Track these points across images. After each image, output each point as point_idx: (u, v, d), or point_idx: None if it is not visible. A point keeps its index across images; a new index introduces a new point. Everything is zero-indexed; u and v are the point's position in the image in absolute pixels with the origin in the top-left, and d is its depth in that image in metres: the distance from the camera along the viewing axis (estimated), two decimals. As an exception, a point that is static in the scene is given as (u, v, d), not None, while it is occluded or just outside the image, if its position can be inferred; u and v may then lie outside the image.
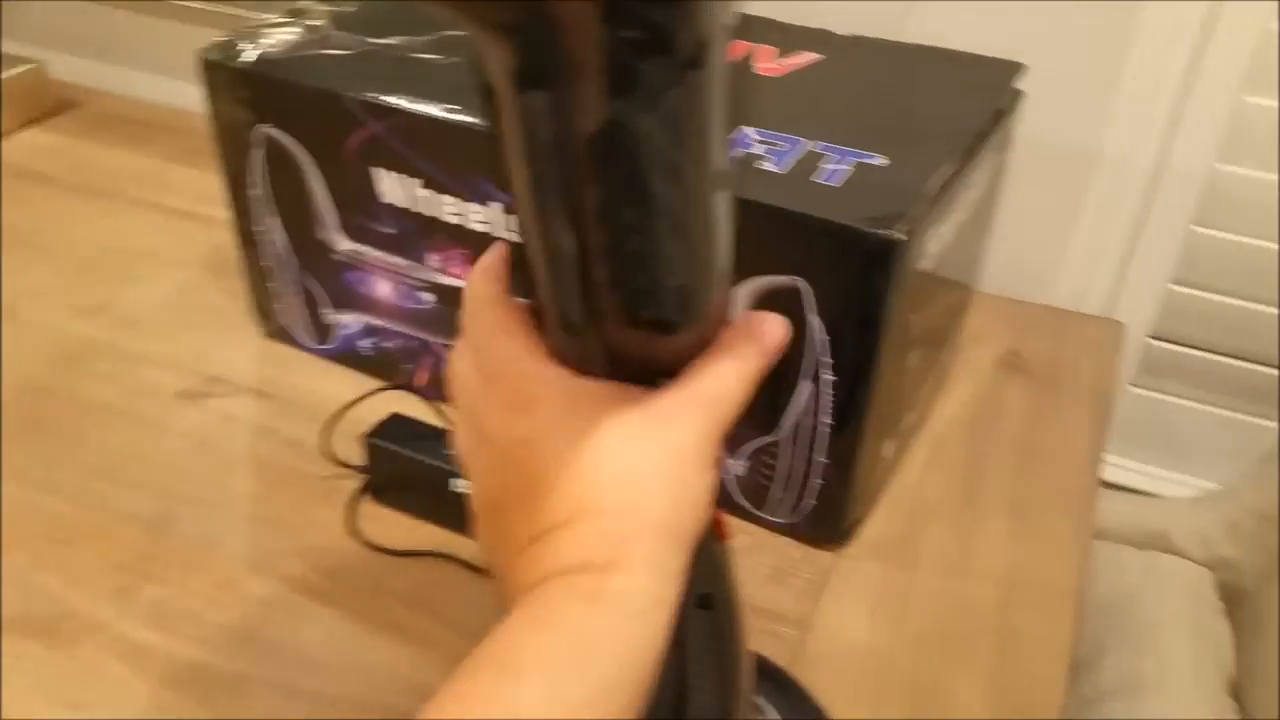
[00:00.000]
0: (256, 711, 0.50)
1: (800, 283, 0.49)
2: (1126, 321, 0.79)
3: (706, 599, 0.41)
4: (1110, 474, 0.87)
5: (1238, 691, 0.72)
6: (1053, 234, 0.80)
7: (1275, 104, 0.71)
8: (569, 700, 0.27)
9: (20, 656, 0.52)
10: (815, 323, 0.50)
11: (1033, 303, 0.80)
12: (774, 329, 0.33)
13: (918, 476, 0.64)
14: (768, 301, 0.51)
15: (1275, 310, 0.77)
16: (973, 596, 0.56)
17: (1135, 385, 0.85)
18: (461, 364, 0.34)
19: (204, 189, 0.92)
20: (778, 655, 0.52)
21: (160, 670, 0.52)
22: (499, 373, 0.32)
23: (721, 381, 0.31)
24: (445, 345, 0.65)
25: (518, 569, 0.31)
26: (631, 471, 0.30)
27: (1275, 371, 0.79)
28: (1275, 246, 0.75)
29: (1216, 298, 0.79)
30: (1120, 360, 0.76)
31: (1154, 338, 0.82)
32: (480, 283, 0.34)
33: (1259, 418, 0.82)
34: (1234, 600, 0.77)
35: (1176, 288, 0.79)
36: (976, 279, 0.71)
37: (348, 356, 0.71)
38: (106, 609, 0.55)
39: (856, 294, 0.48)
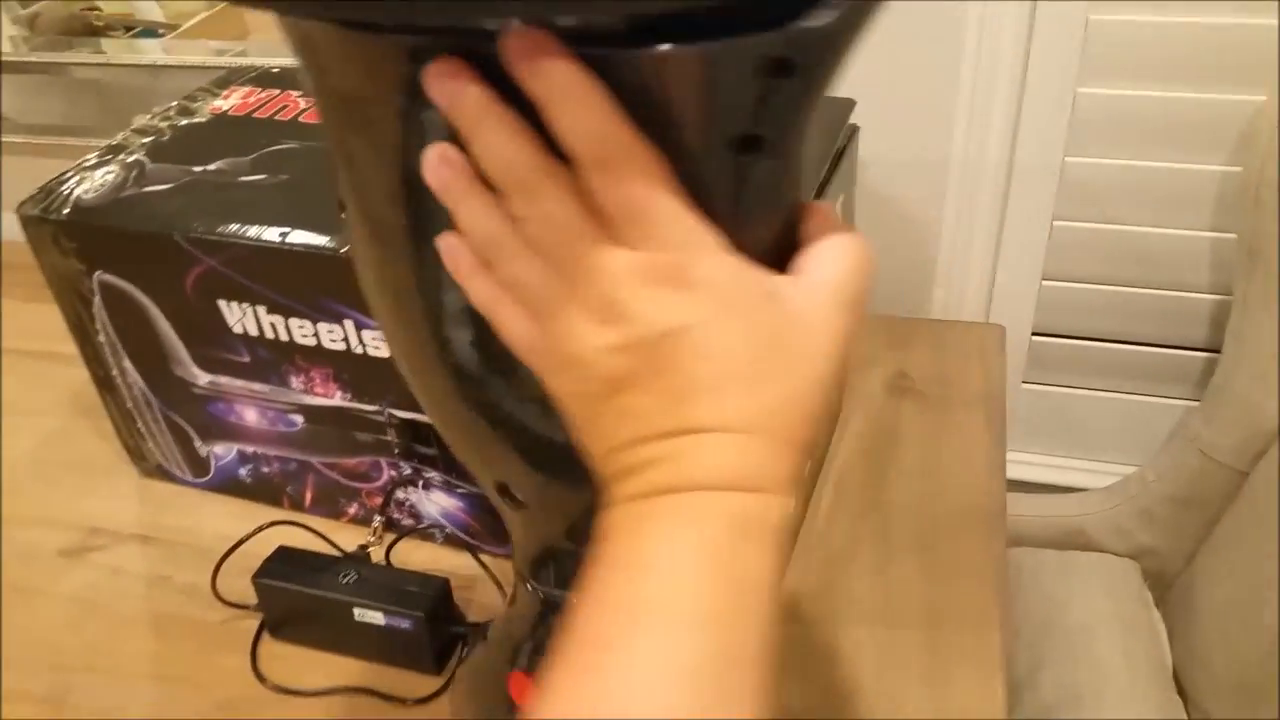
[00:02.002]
0: None
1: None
2: (1006, 323, 0.81)
3: None
4: (1019, 471, 0.88)
5: (1180, 680, 0.73)
6: (919, 248, 0.81)
7: (1111, 92, 0.73)
8: (740, 651, 0.26)
9: None
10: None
11: (912, 318, 0.81)
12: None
13: (825, 522, 0.64)
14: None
15: (1149, 291, 0.79)
16: (899, 643, 0.56)
17: (1028, 382, 0.86)
18: (554, 200, 0.27)
19: (57, 326, 0.88)
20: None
21: None
22: (653, 235, 0.27)
23: (858, 277, 0.29)
24: (324, 463, 0.63)
25: (628, 457, 0.28)
26: (793, 397, 0.28)
27: (1160, 351, 0.81)
28: (1134, 229, 0.77)
29: (1088, 286, 0.80)
30: (1006, 362, 0.77)
31: (1036, 334, 0.83)
32: (573, 81, 0.25)
33: (1155, 397, 0.84)
34: (1162, 586, 0.78)
35: (1049, 282, 0.81)
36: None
37: (230, 486, 0.68)
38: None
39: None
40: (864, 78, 0.73)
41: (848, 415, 0.71)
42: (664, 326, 0.27)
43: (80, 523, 0.69)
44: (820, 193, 0.54)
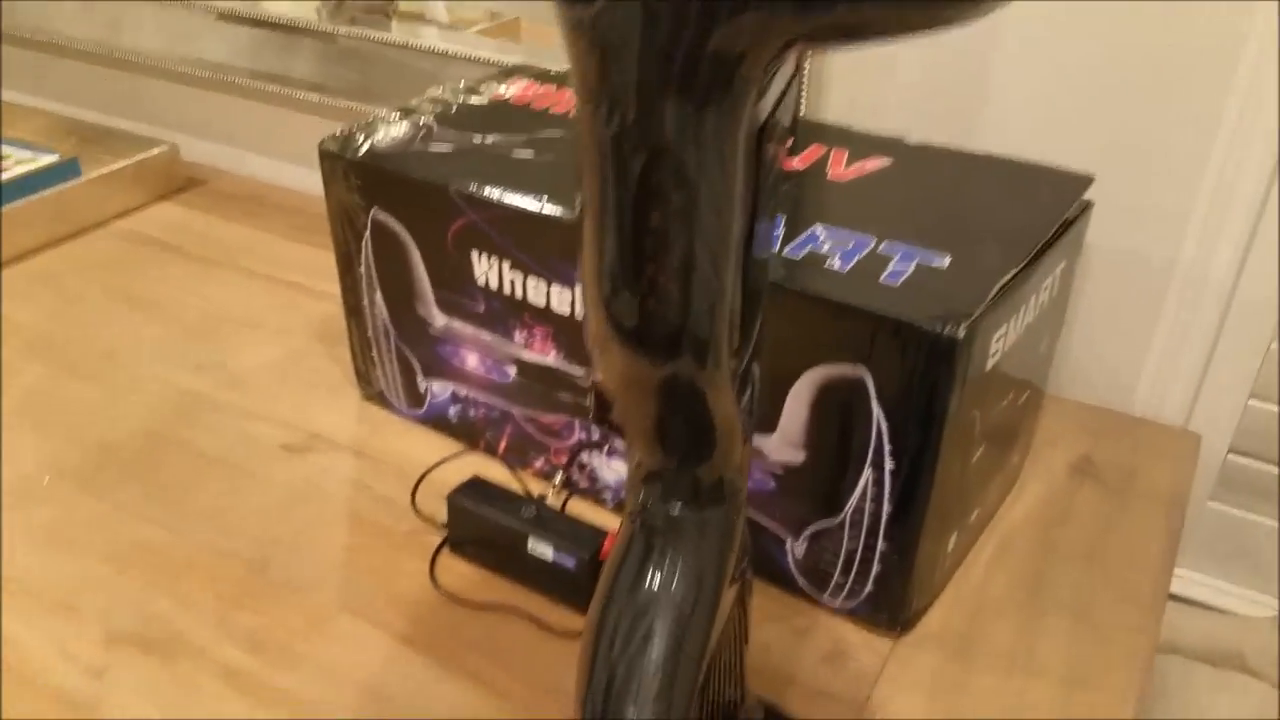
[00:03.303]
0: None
1: (863, 372, 0.52)
2: (1204, 434, 0.79)
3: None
4: (1185, 589, 0.86)
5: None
6: (1130, 342, 0.81)
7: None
8: None
9: (130, 667, 0.57)
10: (877, 412, 0.52)
11: (1109, 409, 0.81)
12: None
13: (983, 574, 0.65)
14: (831, 390, 0.53)
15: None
16: (1031, 695, 0.56)
17: (1214, 500, 0.84)
18: None
19: (314, 264, 0.99)
20: (829, 736, 0.53)
21: (252, 690, 0.56)
22: None
23: None
24: (524, 415, 0.69)
25: None
26: None
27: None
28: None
29: (1298, 415, 0.78)
30: (1196, 472, 0.76)
31: (1233, 452, 0.81)
32: None
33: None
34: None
35: (1256, 403, 0.79)
36: (1049, 382, 0.72)
37: (437, 422, 0.75)
38: (208, 633, 0.59)
39: (917, 388, 0.51)
40: (1106, 161, 0.75)
41: (1024, 482, 0.72)
42: None
43: (303, 426, 0.77)
44: (1039, 256, 0.56)
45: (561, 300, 0.62)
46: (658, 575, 0.38)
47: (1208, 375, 0.80)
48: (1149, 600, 0.63)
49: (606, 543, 0.59)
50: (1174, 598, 0.84)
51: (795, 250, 0.55)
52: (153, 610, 0.61)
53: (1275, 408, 0.79)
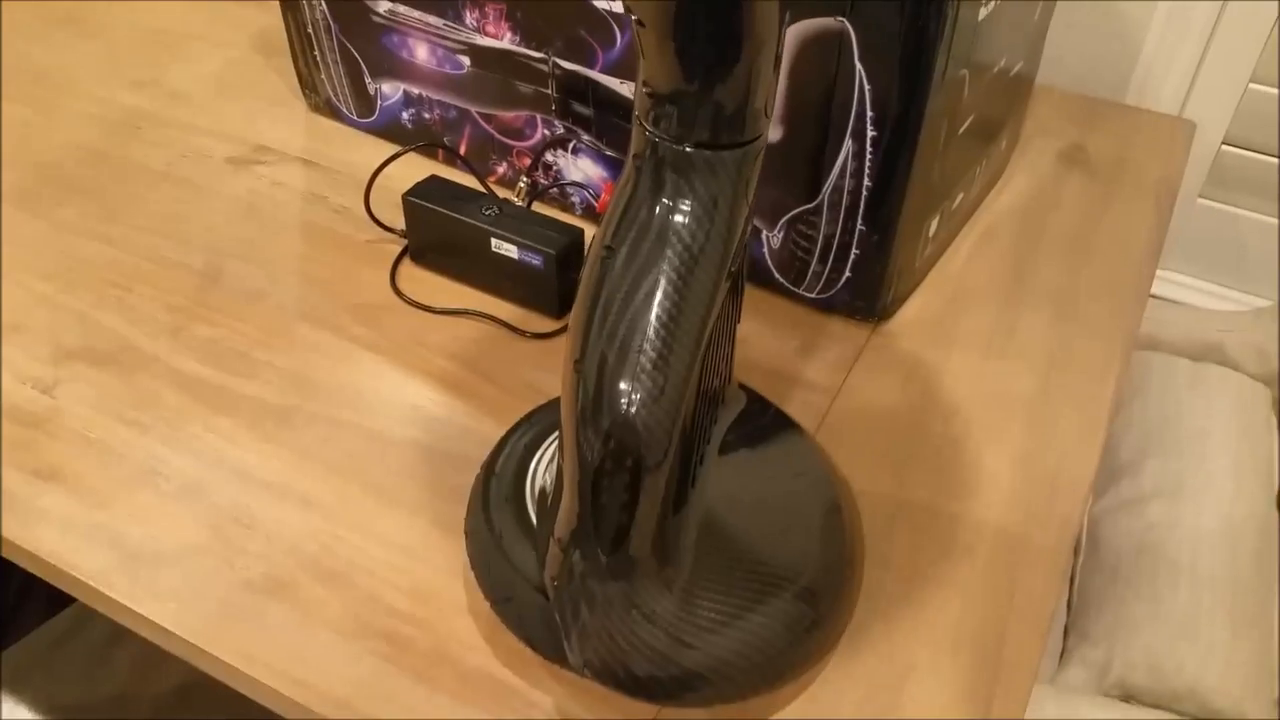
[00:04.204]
0: (305, 439, 0.52)
1: (845, 25, 0.47)
2: (1200, 124, 0.75)
3: None
4: (1169, 290, 0.84)
5: None
6: (1127, 25, 0.75)
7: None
8: None
9: (86, 381, 0.55)
10: (859, 72, 0.48)
11: (1103, 99, 0.77)
12: None
13: (964, 262, 0.63)
14: (809, 50, 0.49)
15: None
16: (1009, 377, 0.56)
17: (1204, 198, 0.81)
18: None
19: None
20: (804, 420, 0.52)
21: (212, 399, 0.54)
22: None
23: None
24: (482, 114, 0.64)
25: None
26: None
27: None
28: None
29: (1300, 100, 0.74)
30: (1188, 161, 0.73)
31: (1228, 144, 0.78)
32: None
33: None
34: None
35: (1256, 86, 0.75)
36: (1041, 73, 0.68)
37: (391, 130, 0.71)
38: (161, 345, 0.57)
39: (904, 37, 0.46)
40: None
41: (1012, 172, 0.69)
42: None
43: (249, 139, 0.72)
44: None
45: (514, -27, 0.56)
46: (666, 210, 0.33)
47: (1205, 59, 0.75)
48: (1133, 286, 0.61)
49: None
50: (1157, 298, 0.83)
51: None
52: (102, 325, 0.58)
53: (1277, 91, 0.74)
